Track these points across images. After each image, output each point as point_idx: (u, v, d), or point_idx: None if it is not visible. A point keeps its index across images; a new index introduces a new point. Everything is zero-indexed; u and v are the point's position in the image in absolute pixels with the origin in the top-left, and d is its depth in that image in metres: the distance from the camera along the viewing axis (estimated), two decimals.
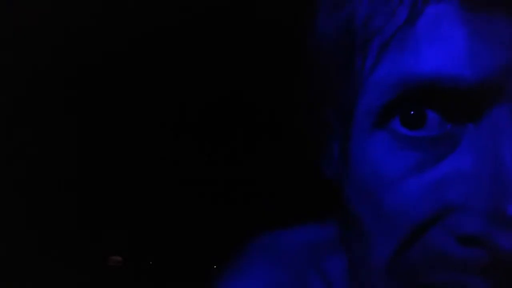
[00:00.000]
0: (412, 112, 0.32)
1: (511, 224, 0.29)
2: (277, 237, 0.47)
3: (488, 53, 0.31)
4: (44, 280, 0.80)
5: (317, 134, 0.39)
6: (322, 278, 0.44)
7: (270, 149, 0.71)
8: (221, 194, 0.78)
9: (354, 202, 0.35)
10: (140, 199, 0.86)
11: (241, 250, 0.48)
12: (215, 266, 0.60)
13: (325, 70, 0.37)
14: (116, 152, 0.86)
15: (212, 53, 0.77)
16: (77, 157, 0.86)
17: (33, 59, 0.79)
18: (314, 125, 0.39)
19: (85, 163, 0.86)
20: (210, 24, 0.75)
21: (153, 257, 0.87)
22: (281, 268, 0.45)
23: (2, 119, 0.80)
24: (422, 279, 0.33)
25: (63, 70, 0.81)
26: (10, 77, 0.78)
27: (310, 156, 0.40)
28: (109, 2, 0.76)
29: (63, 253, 0.83)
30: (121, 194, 0.87)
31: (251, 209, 0.72)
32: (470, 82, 0.30)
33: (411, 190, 0.32)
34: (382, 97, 0.32)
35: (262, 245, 0.47)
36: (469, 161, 0.31)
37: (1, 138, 0.81)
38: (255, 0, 0.68)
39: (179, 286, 0.83)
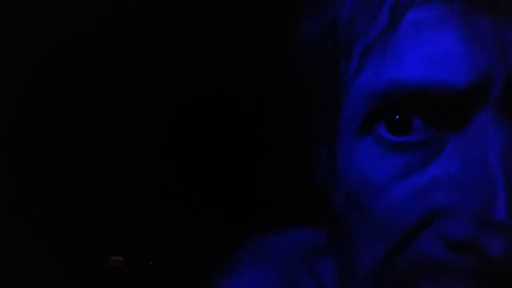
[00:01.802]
0: (397, 117, 0.32)
1: (499, 228, 0.29)
2: (269, 240, 0.47)
3: (471, 58, 0.30)
4: (44, 280, 0.81)
5: (306, 138, 0.39)
6: (315, 281, 0.43)
7: (263, 153, 0.71)
8: (217, 197, 0.78)
9: (342, 207, 0.35)
10: (140, 199, 0.87)
11: (234, 253, 0.48)
12: (213, 267, 0.60)
13: (311, 72, 0.37)
14: (116, 151, 0.86)
15: (193, 58, 0.77)
16: (77, 157, 0.86)
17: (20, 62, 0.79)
18: (303, 129, 0.39)
19: (85, 163, 0.86)
20: (189, 27, 0.76)
21: (153, 257, 0.87)
22: (273, 270, 0.45)
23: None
24: (410, 286, 0.32)
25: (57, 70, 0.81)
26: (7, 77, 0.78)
27: (300, 161, 0.40)
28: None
29: (63, 253, 0.83)
30: (121, 194, 0.87)
31: (245, 212, 0.72)
32: (454, 88, 0.30)
33: (398, 196, 0.32)
34: (366, 104, 0.32)
35: (255, 248, 0.47)
36: (456, 165, 0.31)
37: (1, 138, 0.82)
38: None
39: (179, 286, 0.83)
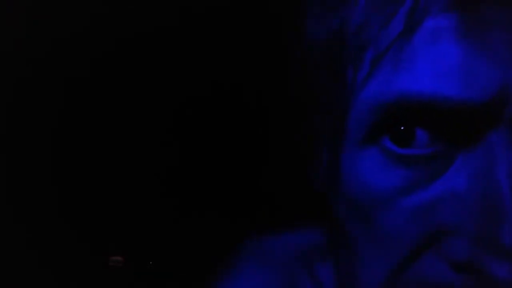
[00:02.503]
0: (402, 128, 0.31)
1: (505, 251, 0.28)
2: (269, 240, 0.47)
3: (487, 74, 0.29)
4: (44, 280, 0.81)
5: (306, 139, 0.38)
6: (314, 282, 0.43)
7: (264, 154, 0.71)
8: (218, 197, 0.78)
9: (344, 217, 0.34)
10: (140, 199, 0.86)
11: (234, 253, 0.48)
12: (213, 267, 0.60)
13: (315, 77, 0.36)
14: (117, 152, 0.86)
15: (193, 62, 0.77)
16: (77, 157, 0.86)
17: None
18: (304, 132, 0.39)
19: (86, 163, 0.86)
20: (190, 30, 0.75)
21: (153, 257, 0.87)
22: (272, 272, 0.44)
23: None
24: None
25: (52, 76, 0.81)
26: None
27: (301, 161, 0.40)
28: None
29: (63, 253, 0.83)
30: (121, 193, 0.87)
31: (245, 212, 0.72)
32: (467, 104, 0.29)
33: (402, 210, 0.31)
34: (373, 114, 0.31)
35: (255, 248, 0.47)
36: (462, 183, 0.30)
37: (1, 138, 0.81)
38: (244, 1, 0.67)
39: (179, 286, 0.83)
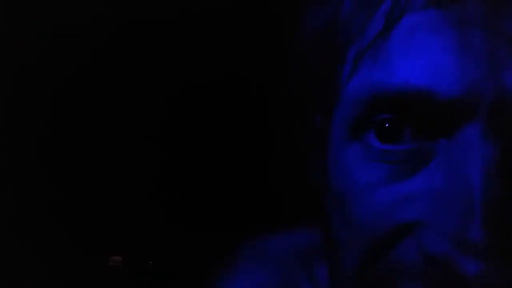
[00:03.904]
0: (386, 125, 0.32)
1: (475, 249, 0.28)
2: (268, 241, 0.47)
3: (462, 68, 0.30)
4: (44, 280, 0.81)
5: (305, 138, 0.39)
6: (313, 283, 0.44)
7: (264, 154, 0.71)
8: (217, 197, 0.78)
9: (329, 211, 0.35)
10: (140, 199, 0.87)
11: (234, 253, 0.48)
12: (213, 267, 0.60)
13: (310, 73, 0.37)
14: (116, 151, 0.86)
15: (190, 56, 0.77)
16: (77, 157, 0.86)
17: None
18: (302, 129, 0.39)
19: (85, 163, 0.86)
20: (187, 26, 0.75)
21: (153, 257, 0.87)
22: (271, 271, 0.45)
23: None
24: None
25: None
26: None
27: (300, 161, 0.40)
28: None
29: (62, 253, 0.83)
30: (121, 193, 0.87)
31: (244, 212, 0.72)
32: (440, 96, 0.30)
33: (380, 201, 0.32)
34: (354, 109, 0.32)
35: (253, 248, 0.47)
36: (439, 179, 0.31)
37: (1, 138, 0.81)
38: None
39: (179, 286, 0.83)
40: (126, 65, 0.81)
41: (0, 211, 0.80)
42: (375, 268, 0.32)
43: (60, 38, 0.80)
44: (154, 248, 0.87)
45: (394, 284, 0.32)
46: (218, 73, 0.75)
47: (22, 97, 0.83)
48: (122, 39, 0.80)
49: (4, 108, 0.82)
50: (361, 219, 0.32)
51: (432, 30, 0.30)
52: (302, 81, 0.38)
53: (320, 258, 0.43)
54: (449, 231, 0.29)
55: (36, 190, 0.84)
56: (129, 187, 0.86)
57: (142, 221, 0.86)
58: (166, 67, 0.81)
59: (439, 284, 0.30)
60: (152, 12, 0.77)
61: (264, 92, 0.66)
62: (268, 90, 0.63)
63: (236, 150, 0.75)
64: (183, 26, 0.77)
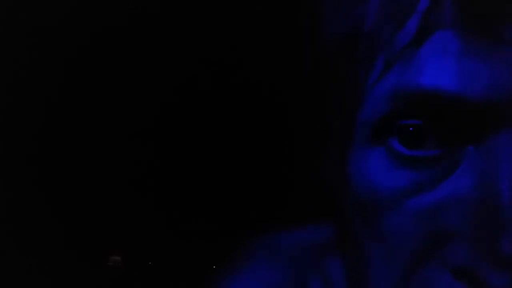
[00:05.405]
0: (410, 129, 0.31)
1: (503, 260, 0.28)
2: (277, 238, 0.47)
3: (494, 75, 0.30)
4: (43, 281, 0.80)
5: (317, 138, 0.39)
6: (323, 279, 0.44)
7: (274, 152, 0.71)
8: (222, 194, 0.78)
9: (352, 217, 0.35)
10: (140, 199, 0.86)
11: (242, 250, 0.48)
12: (214, 267, 0.60)
13: (329, 74, 0.36)
14: (116, 150, 0.86)
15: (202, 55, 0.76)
16: (76, 157, 0.85)
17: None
18: (315, 126, 0.39)
19: (85, 163, 0.86)
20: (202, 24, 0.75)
21: (156, 256, 0.87)
22: (281, 268, 0.45)
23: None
24: None
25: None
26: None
27: (311, 160, 0.40)
28: None
29: (62, 253, 0.82)
30: (121, 193, 0.87)
31: (252, 209, 0.72)
32: (472, 102, 0.29)
33: (408, 212, 0.31)
34: (380, 109, 0.32)
35: (263, 245, 0.47)
36: (466, 187, 0.30)
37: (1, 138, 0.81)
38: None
39: (179, 286, 0.83)
40: (132, 64, 0.81)
41: (0, 213, 0.79)
42: (407, 285, 0.32)
43: (55, 37, 0.80)
44: (153, 248, 0.87)
45: None
46: (236, 74, 0.75)
47: (19, 97, 0.82)
48: (130, 38, 0.80)
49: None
50: (391, 231, 0.32)
51: (464, 37, 0.30)
52: (317, 80, 0.38)
53: (331, 255, 0.43)
54: (477, 242, 0.29)
55: (35, 190, 0.84)
56: (129, 185, 0.86)
57: (142, 221, 0.85)
58: (168, 67, 0.81)
59: None
60: (166, 10, 0.77)
61: (281, 92, 0.66)
62: (285, 90, 0.63)
63: (247, 148, 0.75)
64: (197, 25, 0.77)
